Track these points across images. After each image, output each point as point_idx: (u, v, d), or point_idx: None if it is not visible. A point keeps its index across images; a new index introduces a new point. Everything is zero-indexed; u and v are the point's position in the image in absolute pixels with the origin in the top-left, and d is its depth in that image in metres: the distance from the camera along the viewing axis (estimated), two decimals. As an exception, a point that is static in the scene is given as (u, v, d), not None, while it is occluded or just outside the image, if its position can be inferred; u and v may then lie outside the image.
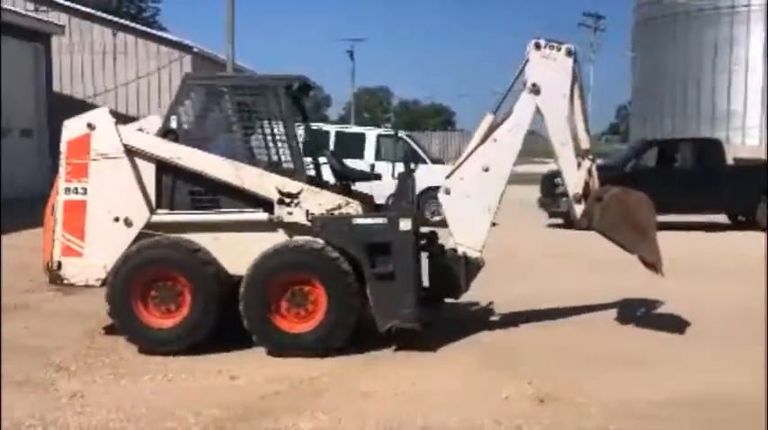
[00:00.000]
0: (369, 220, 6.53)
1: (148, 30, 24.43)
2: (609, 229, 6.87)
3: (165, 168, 6.67)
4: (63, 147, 6.65)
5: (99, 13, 23.37)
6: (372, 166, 16.01)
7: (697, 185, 16.05)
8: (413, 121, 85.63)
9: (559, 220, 16.82)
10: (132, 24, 24.09)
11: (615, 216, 6.80)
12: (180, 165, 6.61)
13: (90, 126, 6.62)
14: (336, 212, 6.55)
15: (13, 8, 20.28)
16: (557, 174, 17.96)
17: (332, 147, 16.57)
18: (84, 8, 23.55)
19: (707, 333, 7.40)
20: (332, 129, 17.62)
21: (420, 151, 18.24)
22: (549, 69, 6.95)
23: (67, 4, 22.95)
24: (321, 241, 6.44)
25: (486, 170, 6.92)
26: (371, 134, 17.70)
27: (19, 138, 19.73)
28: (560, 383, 5.82)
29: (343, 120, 78.80)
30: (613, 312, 8.22)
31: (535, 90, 6.94)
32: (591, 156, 7.07)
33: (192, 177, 6.66)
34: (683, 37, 38.51)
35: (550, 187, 17.02)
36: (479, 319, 7.76)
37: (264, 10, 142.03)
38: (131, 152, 6.60)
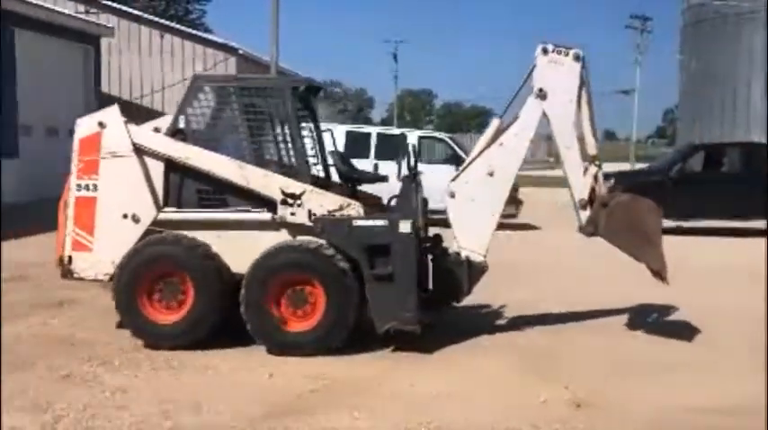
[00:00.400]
0: (369, 222, 6.57)
1: (195, 32, 24.77)
2: (614, 236, 6.84)
3: (173, 167, 6.81)
4: (75, 144, 6.82)
5: (147, 16, 23.80)
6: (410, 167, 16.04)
7: (743, 191, 15.72)
8: (455, 123, 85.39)
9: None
10: (179, 26, 24.46)
11: (620, 223, 6.75)
12: (187, 164, 6.76)
13: (101, 124, 6.78)
14: (338, 214, 6.61)
15: (63, 10, 20.75)
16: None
17: (373, 148, 16.67)
18: (132, 10, 24.01)
19: (737, 341, 7.24)
20: (372, 131, 17.67)
21: (461, 153, 18.25)
22: (555, 74, 6.92)
23: (117, 6, 23.41)
24: (319, 240, 6.52)
25: (491, 174, 6.91)
26: (412, 136, 17.72)
27: (66, 139, 20.17)
28: (595, 388, 5.78)
29: (385, 122, 78.96)
30: (644, 317, 8.12)
31: (542, 95, 6.90)
32: (597, 162, 7.02)
33: (199, 176, 6.81)
34: (733, 39, 37.71)
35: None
36: (513, 323, 7.73)
37: (309, 11, 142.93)
38: (140, 151, 6.75)
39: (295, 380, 5.88)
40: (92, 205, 6.77)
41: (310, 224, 6.61)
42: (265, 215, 6.72)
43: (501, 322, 7.83)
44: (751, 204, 15.74)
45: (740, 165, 16.46)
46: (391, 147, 16.49)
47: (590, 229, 6.92)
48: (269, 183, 6.70)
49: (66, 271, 6.85)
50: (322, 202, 6.66)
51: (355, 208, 6.68)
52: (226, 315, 6.65)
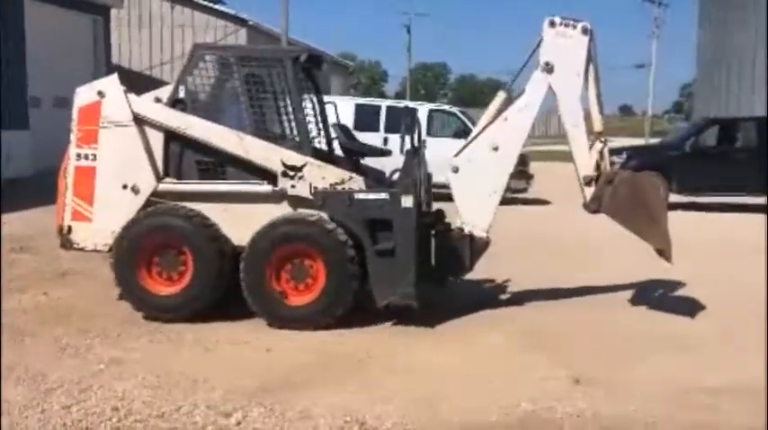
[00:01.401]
0: (370, 196, 6.48)
1: (205, 2, 24.57)
2: (617, 214, 6.73)
3: (173, 137, 6.74)
4: (74, 113, 6.76)
5: (157, -15, 23.67)
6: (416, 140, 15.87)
7: (759, 166, 15.48)
8: (469, 97, 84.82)
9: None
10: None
11: (625, 200, 6.64)
12: (187, 134, 6.68)
13: (100, 93, 6.72)
14: (340, 187, 6.53)
15: (73, -19, 20.61)
16: (615, 152, 17.68)
17: (383, 122, 16.51)
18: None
19: (749, 319, 7.09)
20: (382, 104, 17.50)
21: (471, 127, 18.06)
22: (563, 48, 6.77)
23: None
24: (318, 213, 6.47)
25: (496, 149, 6.79)
26: (423, 109, 17.54)
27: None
28: (594, 364, 5.71)
29: (399, 95, 78.53)
30: (649, 293, 8.01)
31: (548, 69, 6.77)
32: (603, 139, 6.89)
33: (199, 147, 6.74)
34: (752, 13, 37.03)
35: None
36: (514, 298, 7.66)
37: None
38: (140, 120, 6.68)
39: (293, 355, 5.84)
40: (91, 175, 6.72)
41: (311, 197, 6.54)
42: (266, 187, 6.65)
43: (502, 297, 7.76)
44: (764, 179, 15.50)
45: (755, 140, 16.18)
46: (402, 120, 16.32)
47: (594, 206, 6.84)
48: (269, 154, 6.62)
49: (66, 241, 6.82)
50: (324, 175, 6.59)
51: (357, 181, 6.61)
52: (226, 288, 6.61)
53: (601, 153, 6.84)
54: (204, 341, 6.09)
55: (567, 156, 7.19)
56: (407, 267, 6.38)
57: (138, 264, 6.58)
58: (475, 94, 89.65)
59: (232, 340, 6.13)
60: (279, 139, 6.93)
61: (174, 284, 6.61)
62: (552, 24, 6.79)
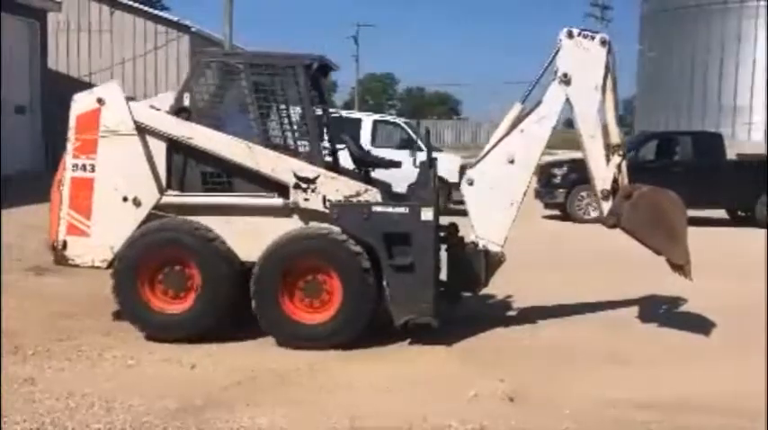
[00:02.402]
0: (389, 209, 6.22)
1: (146, 8, 24.09)
2: (638, 230, 6.57)
3: (176, 147, 6.40)
4: (72, 121, 6.37)
5: (96, -9, 23.11)
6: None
7: (696, 180, 15.73)
8: (416, 109, 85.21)
9: (555, 212, 16.62)
10: (130, 2, 23.73)
11: (644, 216, 6.51)
12: (192, 144, 6.35)
13: (100, 101, 6.33)
14: (355, 200, 6.31)
15: (8, -17, 19.98)
16: (556, 164, 17.83)
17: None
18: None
19: (701, 332, 7.17)
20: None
21: (417, 139, 18.03)
22: (581, 59, 6.68)
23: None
24: (332, 227, 6.20)
25: (512, 162, 6.63)
26: (368, 120, 17.45)
27: (12, 115, 19.47)
28: (535, 382, 5.60)
29: (347, 105, 78.50)
30: (600, 309, 8.00)
31: (566, 80, 6.67)
32: (621, 152, 6.79)
33: (204, 158, 6.42)
34: (691, 30, 38.06)
35: (548, 178, 16.80)
36: (467, 315, 7.51)
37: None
38: (142, 130, 6.32)
39: (218, 372, 5.63)
40: (89, 187, 6.32)
41: (324, 210, 6.27)
42: (276, 200, 6.35)
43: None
44: (704, 193, 15.78)
45: (692, 155, 16.49)
46: (347, 130, 16.19)
47: (612, 221, 6.65)
48: (281, 166, 6.32)
49: (60, 257, 6.40)
50: (338, 187, 6.33)
51: (373, 194, 6.39)
52: (233, 305, 6.29)
53: (618, 167, 6.74)
54: (126, 358, 5.83)
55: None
56: (426, 283, 6.17)
57: (141, 281, 6.22)
58: (423, 106, 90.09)
59: (155, 357, 5.88)
60: (288, 150, 6.63)
61: (179, 302, 6.27)
62: (570, 35, 6.69)
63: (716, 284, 9.44)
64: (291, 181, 6.29)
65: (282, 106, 6.86)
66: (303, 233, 6.28)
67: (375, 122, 17.39)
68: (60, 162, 6.54)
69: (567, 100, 6.72)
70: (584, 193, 16.30)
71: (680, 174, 16.00)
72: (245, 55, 6.76)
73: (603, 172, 6.71)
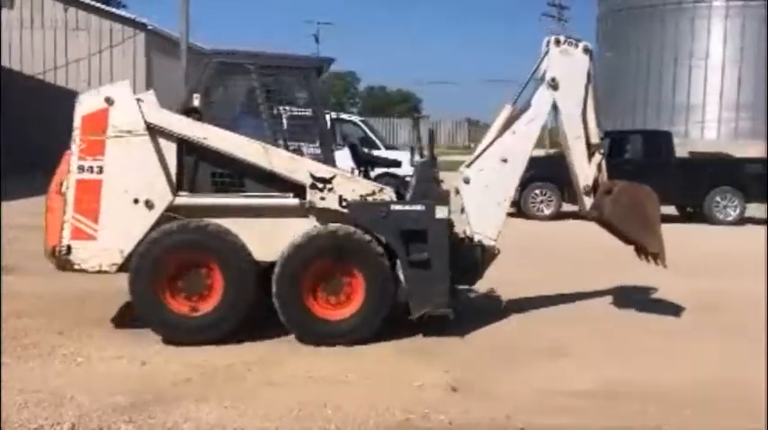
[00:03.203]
0: (407, 207, 6.47)
1: (101, 5, 23.85)
2: (619, 221, 7.10)
3: (187, 148, 6.33)
4: (77, 121, 6.15)
5: (51, -12, 22.82)
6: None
7: (646, 177, 15.97)
8: (378, 107, 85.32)
9: (511, 209, 16.86)
10: (85, 0, 23.50)
11: (625, 208, 7.03)
12: (206, 145, 6.28)
13: (108, 100, 6.14)
14: (370, 199, 6.46)
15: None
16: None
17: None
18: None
19: (643, 323, 7.48)
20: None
21: (374, 137, 18.22)
22: (567, 65, 7.13)
23: (19, -23, 22.37)
24: (350, 227, 6.35)
25: (505, 161, 6.99)
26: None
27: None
28: (478, 373, 5.78)
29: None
30: (547, 302, 8.23)
31: (554, 85, 7.09)
32: (601, 151, 7.28)
33: (215, 159, 6.36)
34: (646, 30, 38.73)
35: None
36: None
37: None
38: (153, 130, 6.19)
39: (169, 368, 5.69)
40: (96, 189, 6.12)
41: (340, 209, 6.38)
42: (293, 200, 6.40)
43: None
44: (653, 190, 16.17)
45: (642, 153, 16.89)
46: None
47: (595, 214, 7.18)
48: (297, 166, 6.37)
49: (64, 262, 6.17)
50: (353, 187, 6.46)
51: (388, 193, 6.55)
52: (254, 305, 6.35)
53: (599, 165, 7.22)
54: (76, 355, 5.88)
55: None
56: (442, 277, 6.44)
57: (162, 284, 6.15)
58: (384, 105, 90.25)
59: (106, 354, 5.94)
60: (299, 152, 6.68)
61: (201, 304, 6.24)
62: (558, 43, 7.14)
63: (669, 280, 9.76)
64: (308, 181, 6.36)
65: (292, 107, 6.95)
66: (326, 233, 6.35)
67: (332, 120, 17.50)
68: (60, 165, 6.35)
69: (554, 103, 7.15)
70: (537, 191, 16.62)
71: (631, 172, 16.25)
72: (256, 56, 6.70)
73: (586, 169, 7.21)
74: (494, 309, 7.73)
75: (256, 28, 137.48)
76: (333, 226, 6.38)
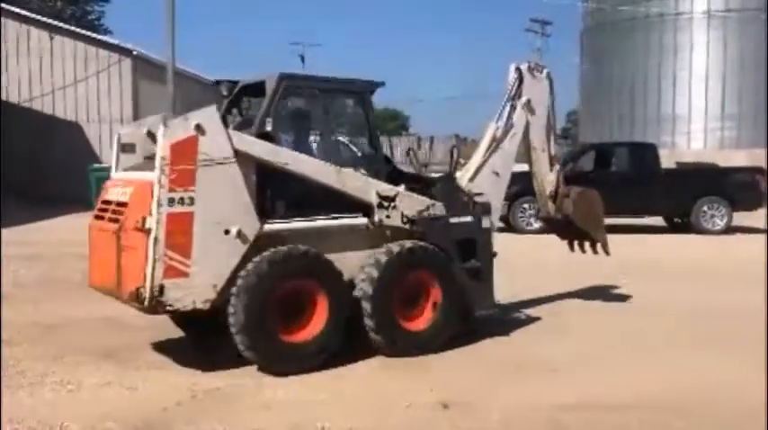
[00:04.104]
0: (462, 219, 7.06)
1: (87, 32, 23.89)
2: (580, 220, 8.26)
3: (264, 173, 6.20)
4: (165, 151, 5.73)
5: (35, 16, 22.82)
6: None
7: (632, 188, 16.26)
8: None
9: (500, 224, 16.90)
10: (70, 27, 23.54)
11: (584, 209, 8.26)
12: (288, 170, 6.24)
13: (198, 128, 5.83)
14: (425, 213, 6.86)
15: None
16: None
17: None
18: (20, 10, 23.01)
19: (632, 335, 7.51)
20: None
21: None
22: (537, 88, 8.11)
23: (4, 6, 22.41)
24: (419, 242, 6.70)
25: (497, 174, 7.70)
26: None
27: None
28: (466, 390, 5.79)
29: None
30: (536, 315, 8.26)
31: (530, 107, 7.97)
32: (560, 161, 8.41)
33: (292, 183, 6.34)
34: (629, 43, 39.04)
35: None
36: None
37: (210, 10, 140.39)
38: (240, 156, 6.02)
39: (159, 393, 5.68)
40: (188, 221, 5.77)
41: (403, 226, 6.73)
42: (362, 220, 6.63)
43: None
44: (641, 201, 16.30)
45: (628, 165, 17.00)
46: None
47: (558, 215, 8.26)
48: (366, 187, 6.57)
49: (156, 304, 5.72)
50: (412, 204, 6.81)
51: (438, 207, 6.99)
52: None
53: (558, 173, 8.29)
54: (66, 382, 5.87)
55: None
56: (489, 281, 7.16)
57: (273, 315, 6.01)
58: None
59: (95, 380, 5.93)
60: (363, 171, 6.78)
61: (305, 332, 6.19)
62: (530, 69, 8.08)
63: (646, 288, 9.82)
64: (375, 200, 6.58)
65: (351, 129, 7.17)
66: (406, 249, 6.60)
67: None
68: (133, 199, 5.95)
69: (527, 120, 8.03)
70: (526, 205, 16.68)
71: (617, 184, 16.49)
72: (320, 79, 6.79)
73: (551, 177, 8.27)
74: (480, 324, 7.74)
75: (245, 48, 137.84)
76: (407, 242, 6.67)
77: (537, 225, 16.66)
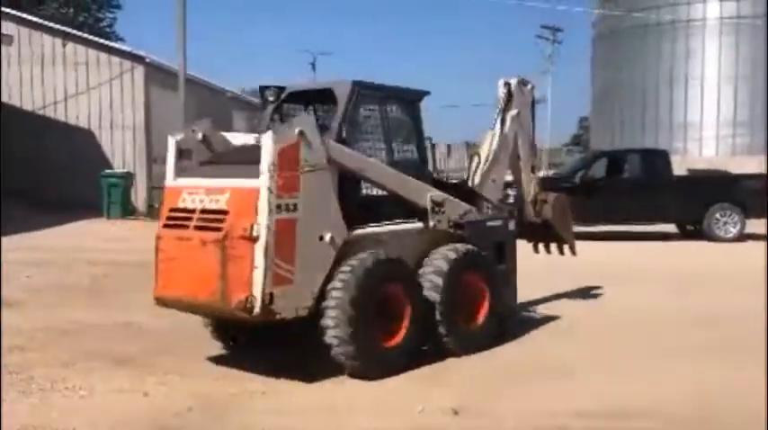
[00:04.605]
0: (495, 223, 7.55)
1: (100, 40, 24.00)
2: (557, 223, 8.79)
3: (343, 180, 6.28)
4: (273, 156, 5.71)
5: (48, 23, 22.94)
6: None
7: (644, 195, 16.20)
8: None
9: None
10: (83, 34, 23.63)
11: (559, 212, 8.81)
12: (365, 176, 6.50)
13: (302, 134, 5.88)
14: (464, 218, 7.19)
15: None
16: (508, 184, 18.12)
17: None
18: (33, 18, 23.12)
19: (644, 340, 7.47)
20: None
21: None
22: (524, 101, 8.50)
23: (16, 13, 22.54)
24: (466, 246, 6.97)
25: (494, 182, 8.07)
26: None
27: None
28: (481, 395, 5.77)
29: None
30: (548, 319, 8.23)
31: (518, 118, 8.35)
32: (538, 169, 8.94)
33: (362, 189, 6.69)
34: (641, 50, 39.00)
35: (502, 197, 17.08)
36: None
37: (223, 18, 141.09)
38: (332, 163, 6.11)
39: (173, 400, 5.67)
40: (292, 228, 5.79)
41: (449, 230, 7.04)
42: (419, 224, 6.90)
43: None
44: (653, 208, 16.22)
45: (640, 172, 16.92)
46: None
47: (538, 220, 8.71)
48: (423, 192, 6.89)
49: (267, 312, 5.70)
50: (455, 209, 7.17)
51: (473, 211, 7.38)
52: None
53: (537, 180, 8.84)
54: (78, 388, 5.87)
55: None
56: (514, 284, 7.61)
57: (374, 323, 6.09)
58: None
59: (108, 386, 5.93)
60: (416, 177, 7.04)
61: (394, 336, 6.30)
62: (519, 84, 8.42)
63: (658, 294, 9.78)
64: (429, 205, 6.87)
65: (403, 136, 7.30)
66: (462, 251, 6.88)
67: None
68: (235, 207, 5.84)
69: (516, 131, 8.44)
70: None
71: (629, 191, 16.45)
72: (384, 87, 6.98)
73: (532, 183, 8.74)
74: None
75: (257, 56, 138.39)
76: (459, 246, 6.94)
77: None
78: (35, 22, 22.72)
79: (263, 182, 5.71)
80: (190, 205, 6.15)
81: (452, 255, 6.76)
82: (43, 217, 18.00)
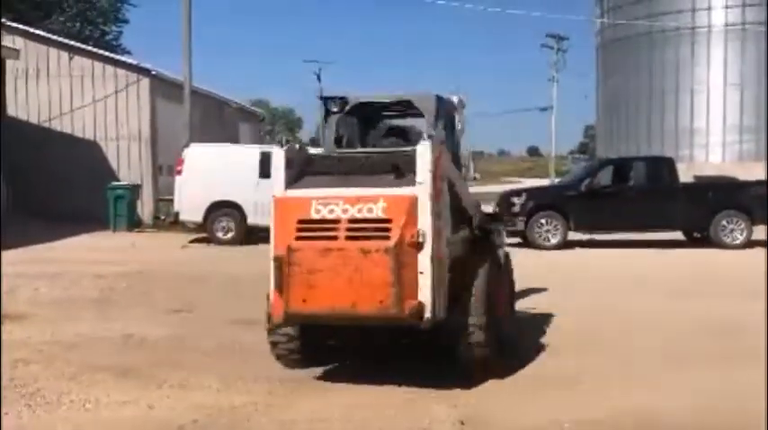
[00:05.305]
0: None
1: (105, 53, 24.16)
2: None
3: None
4: (430, 165, 5.85)
5: (55, 37, 23.11)
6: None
7: (650, 203, 16.19)
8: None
9: (516, 239, 16.86)
10: (89, 48, 23.81)
11: None
12: (454, 188, 6.57)
13: (443, 145, 6.29)
14: (488, 225, 7.34)
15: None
16: (514, 193, 18.17)
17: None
18: (40, 32, 23.29)
19: (657, 349, 7.43)
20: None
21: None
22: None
23: (24, 28, 22.72)
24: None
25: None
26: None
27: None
28: (487, 405, 5.74)
29: (314, 142, 78.51)
30: (556, 329, 8.20)
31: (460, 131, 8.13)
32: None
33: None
34: (646, 57, 39.01)
35: (508, 206, 17.10)
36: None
37: (226, 29, 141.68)
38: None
39: (178, 412, 5.65)
40: (441, 234, 6.01)
41: (479, 235, 7.09)
42: (467, 231, 6.97)
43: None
44: (659, 216, 16.20)
45: (646, 179, 16.91)
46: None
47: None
48: (471, 201, 7.03)
49: (434, 317, 5.85)
50: (482, 215, 7.31)
51: (488, 218, 7.59)
52: None
53: None
54: (83, 401, 5.85)
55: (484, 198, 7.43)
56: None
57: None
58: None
59: (113, 399, 5.91)
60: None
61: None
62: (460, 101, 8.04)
63: (665, 302, 9.74)
64: (473, 211, 7.04)
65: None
66: (505, 255, 7.46)
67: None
68: (398, 215, 5.83)
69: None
70: (543, 220, 16.63)
71: (635, 199, 16.44)
72: (445, 99, 7.11)
73: None
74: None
75: (261, 67, 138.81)
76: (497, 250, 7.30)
77: (554, 240, 16.60)
78: (42, 36, 22.90)
79: (423, 190, 5.83)
80: (328, 215, 5.94)
81: (502, 252, 7.37)
82: (50, 229, 18.06)
